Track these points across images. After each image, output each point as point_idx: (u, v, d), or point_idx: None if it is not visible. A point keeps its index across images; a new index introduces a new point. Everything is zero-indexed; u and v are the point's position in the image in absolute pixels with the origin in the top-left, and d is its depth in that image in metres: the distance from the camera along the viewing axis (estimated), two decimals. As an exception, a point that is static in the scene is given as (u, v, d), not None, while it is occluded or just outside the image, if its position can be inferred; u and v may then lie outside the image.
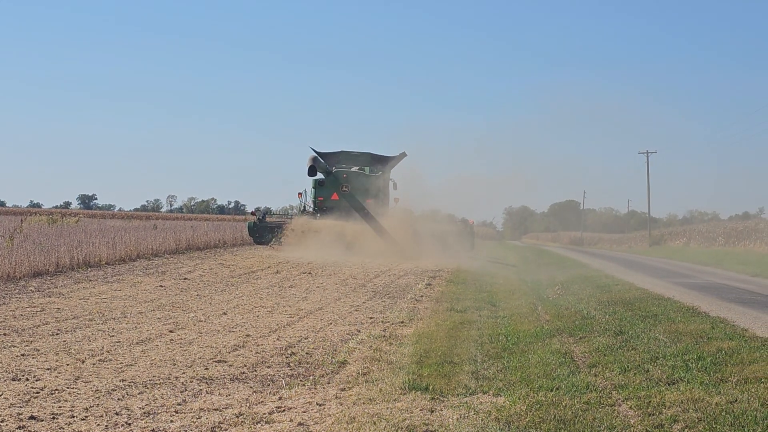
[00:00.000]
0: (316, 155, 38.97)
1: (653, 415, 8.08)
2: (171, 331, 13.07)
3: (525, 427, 7.59)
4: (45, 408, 8.14)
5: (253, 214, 44.00)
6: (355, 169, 40.17)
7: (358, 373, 10.18)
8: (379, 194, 39.38)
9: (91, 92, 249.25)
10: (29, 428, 7.47)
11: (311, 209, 40.08)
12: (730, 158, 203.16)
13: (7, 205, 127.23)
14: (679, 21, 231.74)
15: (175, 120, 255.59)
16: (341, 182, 38.18)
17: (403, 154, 40.84)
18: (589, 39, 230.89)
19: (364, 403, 8.54)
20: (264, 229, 39.43)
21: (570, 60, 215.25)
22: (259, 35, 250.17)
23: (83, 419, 7.81)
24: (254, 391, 9.19)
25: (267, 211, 45.11)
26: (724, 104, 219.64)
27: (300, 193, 41.10)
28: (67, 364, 10.23)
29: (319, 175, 39.33)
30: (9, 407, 8.11)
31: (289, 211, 51.02)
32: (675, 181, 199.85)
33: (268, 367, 10.60)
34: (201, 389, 9.22)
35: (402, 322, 14.84)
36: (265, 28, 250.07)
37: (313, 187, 39.87)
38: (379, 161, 41.35)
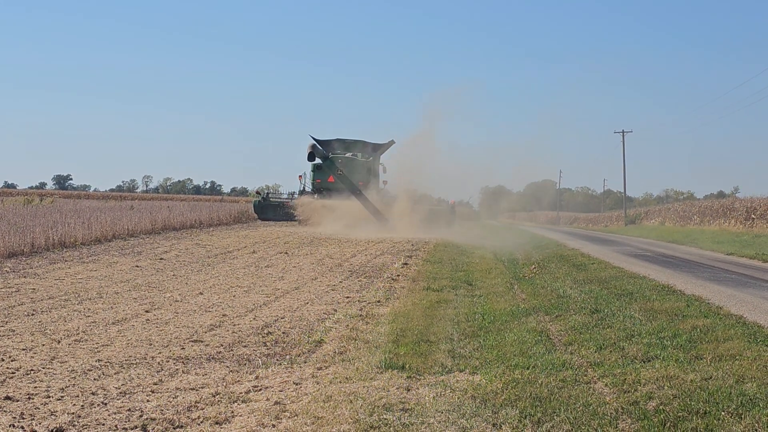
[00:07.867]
0: (315, 142, 42.76)
1: (629, 392, 8.13)
2: (147, 311, 13.02)
3: (501, 405, 7.62)
4: (20, 388, 8.10)
5: (258, 193, 49.57)
6: (349, 155, 44.36)
7: (335, 352, 10.19)
8: (369, 177, 43.19)
9: (68, 74, 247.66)
10: (5, 408, 7.42)
11: (310, 190, 44.48)
12: (706, 138, 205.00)
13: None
14: (654, 10, 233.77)
15: (151, 101, 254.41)
16: (337, 166, 41.95)
17: (392, 142, 45.58)
18: (570, 31, 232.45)
19: (340, 382, 8.55)
20: (268, 206, 44.50)
21: (551, 50, 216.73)
22: (242, 25, 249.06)
23: (59, 399, 7.77)
24: (231, 371, 9.18)
25: (245, 190, 49.47)
26: (700, 86, 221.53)
27: (300, 176, 45.53)
28: (43, 345, 10.17)
29: (317, 160, 43.09)
30: (-17, 388, 8.06)
31: (265, 191, 54.46)
32: (651, 160, 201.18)
33: (245, 346, 10.59)
34: (177, 369, 9.20)
35: (378, 302, 14.85)
36: (245, 18, 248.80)
37: (312, 171, 44.16)
38: (370, 148, 45.97)
